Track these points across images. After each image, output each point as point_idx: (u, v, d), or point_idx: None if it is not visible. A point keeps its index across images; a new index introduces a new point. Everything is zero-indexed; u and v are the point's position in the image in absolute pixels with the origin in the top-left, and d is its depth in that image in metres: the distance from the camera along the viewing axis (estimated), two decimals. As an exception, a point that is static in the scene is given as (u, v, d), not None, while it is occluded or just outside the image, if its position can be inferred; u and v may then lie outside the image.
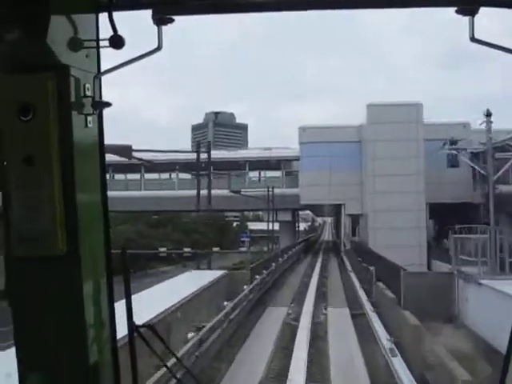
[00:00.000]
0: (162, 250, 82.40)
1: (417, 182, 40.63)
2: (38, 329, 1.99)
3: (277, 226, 62.34)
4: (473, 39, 2.00)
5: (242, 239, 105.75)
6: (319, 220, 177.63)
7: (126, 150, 29.44)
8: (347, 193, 48.92)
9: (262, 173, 62.00)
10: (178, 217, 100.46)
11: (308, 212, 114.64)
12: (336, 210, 63.73)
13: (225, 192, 52.86)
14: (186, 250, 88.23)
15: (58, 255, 1.90)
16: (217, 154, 61.42)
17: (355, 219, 49.85)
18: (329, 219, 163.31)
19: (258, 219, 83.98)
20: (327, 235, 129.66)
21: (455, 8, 2.02)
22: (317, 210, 76.27)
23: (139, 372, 2.20)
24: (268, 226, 51.26)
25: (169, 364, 2.90)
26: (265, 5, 2.34)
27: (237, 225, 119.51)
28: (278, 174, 61.04)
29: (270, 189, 51.63)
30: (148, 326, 2.20)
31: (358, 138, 49.71)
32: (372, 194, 41.39)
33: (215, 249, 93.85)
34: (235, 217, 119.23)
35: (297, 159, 53.65)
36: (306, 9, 2.32)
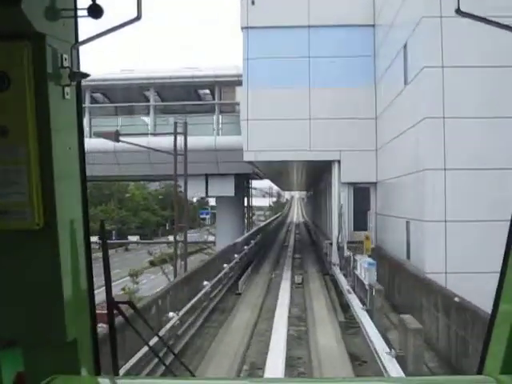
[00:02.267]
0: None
1: None
2: (15, 304, 1.95)
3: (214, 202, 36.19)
4: (458, 11, 1.96)
5: (202, 216, 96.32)
6: (287, 195, 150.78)
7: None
8: (345, 138, 22.37)
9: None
10: (120, 190, 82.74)
11: (272, 184, 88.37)
12: (316, 177, 36.54)
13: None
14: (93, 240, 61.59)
15: (35, 229, 1.85)
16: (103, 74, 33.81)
17: (361, 195, 23.05)
18: (296, 194, 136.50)
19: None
20: (295, 216, 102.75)
21: None
22: (283, 178, 48.19)
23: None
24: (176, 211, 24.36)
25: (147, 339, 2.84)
26: None
27: (197, 200, 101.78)
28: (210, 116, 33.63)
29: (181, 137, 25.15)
30: (128, 302, 2.19)
31: (369, 18, 22.87)
32: (437, 119, 14.38)
33: (133, 238, 67.97)
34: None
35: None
36: None
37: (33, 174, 1.80)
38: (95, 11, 1.82)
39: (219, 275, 17.72)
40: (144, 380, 3.74)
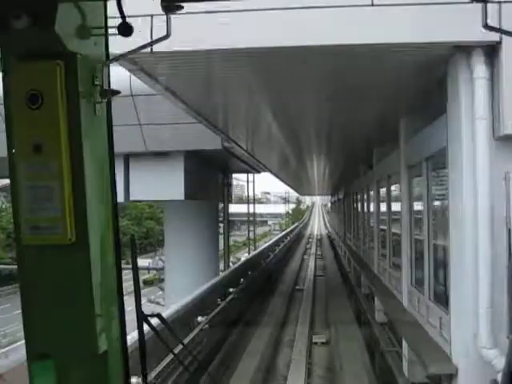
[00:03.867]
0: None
1: None
2: (48, 317, 1.97)
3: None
4: (486, 26, 1.97)
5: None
6: (307, 201, 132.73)
7: None
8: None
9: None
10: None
11: (289, 189, 71.40)
12: (360, 151, 18.71)
13: None
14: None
15: (67, 244, 1.88)
16: None
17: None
18: (318, 200, 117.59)
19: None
20: (317, 226, 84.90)
21: None
22: (284, 162, 28.16)
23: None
24: None
25: (177, 352, 2.96)
26: None
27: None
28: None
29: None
30: (157, 315, 2.23)
31: None
32: None
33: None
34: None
35: None
36: None
37: (65, 190, 1.85)
38: (125, 29, 1.93)
39: None
40: None
